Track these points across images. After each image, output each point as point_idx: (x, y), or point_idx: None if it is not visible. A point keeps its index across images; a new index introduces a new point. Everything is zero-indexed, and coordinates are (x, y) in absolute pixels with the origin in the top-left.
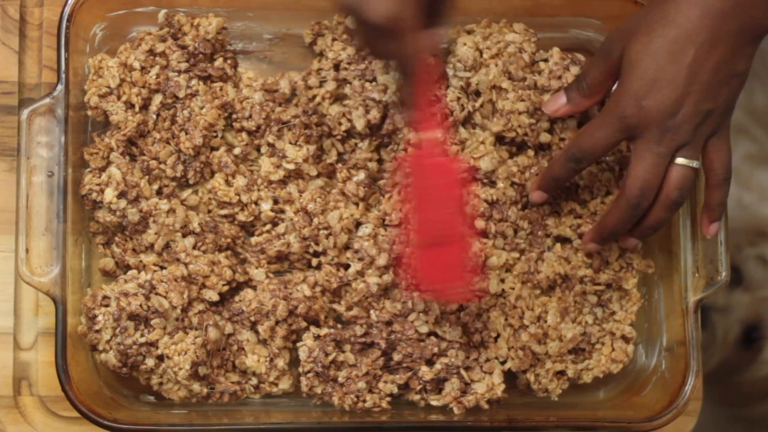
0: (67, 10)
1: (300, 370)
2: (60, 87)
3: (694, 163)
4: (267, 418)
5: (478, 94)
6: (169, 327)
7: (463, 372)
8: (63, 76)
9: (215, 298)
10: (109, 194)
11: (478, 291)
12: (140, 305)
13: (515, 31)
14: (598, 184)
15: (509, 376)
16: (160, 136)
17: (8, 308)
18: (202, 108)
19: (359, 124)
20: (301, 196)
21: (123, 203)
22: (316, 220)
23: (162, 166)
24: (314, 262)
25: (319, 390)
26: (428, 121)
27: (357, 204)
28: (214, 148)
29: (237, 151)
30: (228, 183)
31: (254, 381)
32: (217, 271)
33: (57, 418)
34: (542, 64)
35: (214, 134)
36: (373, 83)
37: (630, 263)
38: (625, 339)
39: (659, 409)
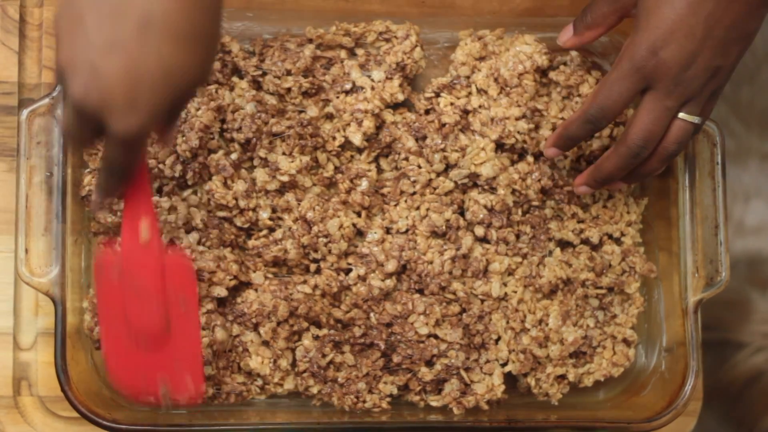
0: None
1: (295, 370)
2: (59, 87)
3: (696, 119)
4: (272, 417)
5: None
6: None
7: (462, 373)
8: None
9: (224, 293)
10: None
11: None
12: None
13: (526, 42)
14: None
15: (509, 378)
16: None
17: (8, 308)
18: (198, 110)
19: (356, 140)
20: (299, 204)
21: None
22: (315, 228)
23: (161, 165)
24: (312, 267)
25: (315, 390)
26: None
27: (359, 213)
28: (212, 150)
29: (234, 156)
30: (226, 186)
31: (259, 382)
32: (223, 266)
33: (56, 419)
34: (563, 67)
35: (211, 136)
36: (353, 94)
37: (632, 267)
38: (627, 342)
39: (659, 409)
